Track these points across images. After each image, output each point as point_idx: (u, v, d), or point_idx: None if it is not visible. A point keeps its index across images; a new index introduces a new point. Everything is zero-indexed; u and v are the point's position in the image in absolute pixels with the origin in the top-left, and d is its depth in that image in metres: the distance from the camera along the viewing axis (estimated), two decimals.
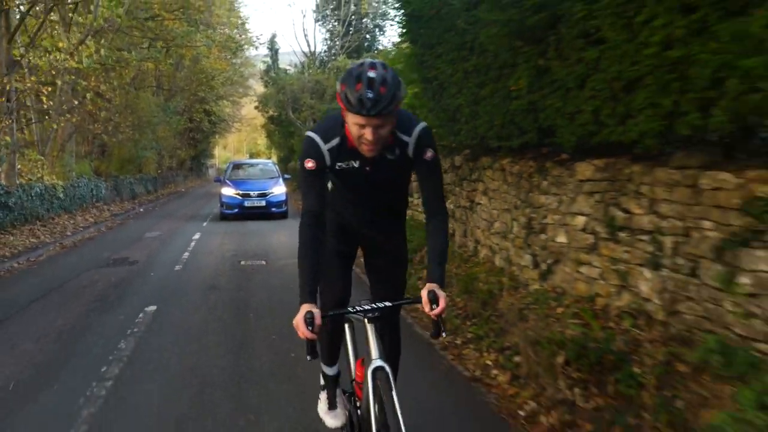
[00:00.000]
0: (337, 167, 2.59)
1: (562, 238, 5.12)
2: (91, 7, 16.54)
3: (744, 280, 3.30)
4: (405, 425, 2.33)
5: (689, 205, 3.72)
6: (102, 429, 3.72)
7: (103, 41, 16.99)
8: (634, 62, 3.47)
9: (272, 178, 18.05)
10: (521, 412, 3.90)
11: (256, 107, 49.51)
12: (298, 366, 4.75)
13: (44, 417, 3.90)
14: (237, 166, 19.92)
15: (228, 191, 16.89)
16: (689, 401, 3.11)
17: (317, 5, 37.46)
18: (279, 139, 42.86)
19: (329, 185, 2.81)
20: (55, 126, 15.52)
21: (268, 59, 48.69)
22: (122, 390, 4.33)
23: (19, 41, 14.73)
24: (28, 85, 13.72)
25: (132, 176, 26.73)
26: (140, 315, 6.39)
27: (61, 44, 14.14)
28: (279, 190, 17.09)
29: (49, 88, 14.61)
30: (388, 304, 2.58)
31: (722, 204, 3.46)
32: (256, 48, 38.93)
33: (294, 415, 3.86)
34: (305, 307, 2.36)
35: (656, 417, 3.21)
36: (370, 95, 2.24)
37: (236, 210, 16.54)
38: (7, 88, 12.38)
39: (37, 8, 14.87)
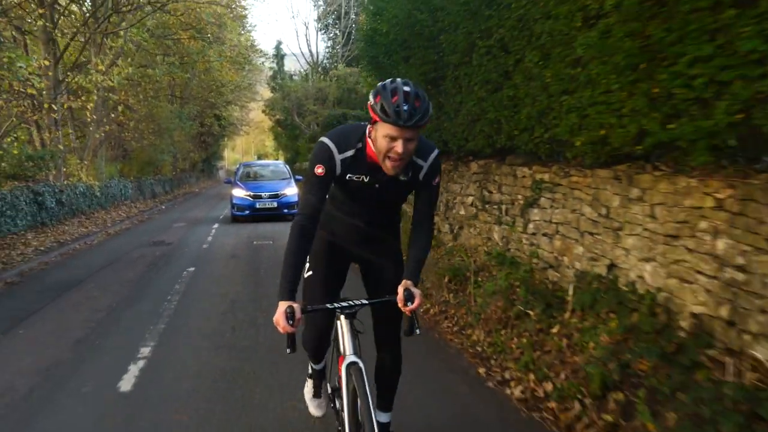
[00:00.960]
0: (346, 178, 2.63)
1: (462, 212, 7.86)
2: (121, 33, 19.39)
3: (530, 226, 6.04)
4: (377, 421, 2.58)
5: (514, 186, 6.46)
6: (177, 321, 6.46)
7: (129, 60, 19.90)
8: (473, 106, 6.22)
9: (284, 179, 17.98)
10: (421, 310, 6.65)
11: (264, 111, 52.01)
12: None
13: (140, 316, 6.64)
14: (248, 167, 19.77)
15: (239, 192, 16.87)
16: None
17: (319, 16, 40.11)
18: (286, 141, 45.56)
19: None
20: (97, 135, 18.38)
21: (274, 65, 51.33)
22: (184, 305, 7.11)
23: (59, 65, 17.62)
24: (79, 103, 16.57)
25: (152, 178, 29.64)
26: (184, 272, 9.16)
27: (99, 66, 16.94)
28: (291, 191, 17.00)
29: (91, 104, 17.47)
30: (364, 301, 2.71)
31: (525, 185, 6.19)
32: (263, 63, 41.37)
33: None
34: (284, 304, 2.45)
35: (476, 300, 5.95)
36: (406, 107, 2.32)
37: (247, 212, 16.63)
38: (65, 106, 15.19)
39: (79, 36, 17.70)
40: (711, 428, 2.92)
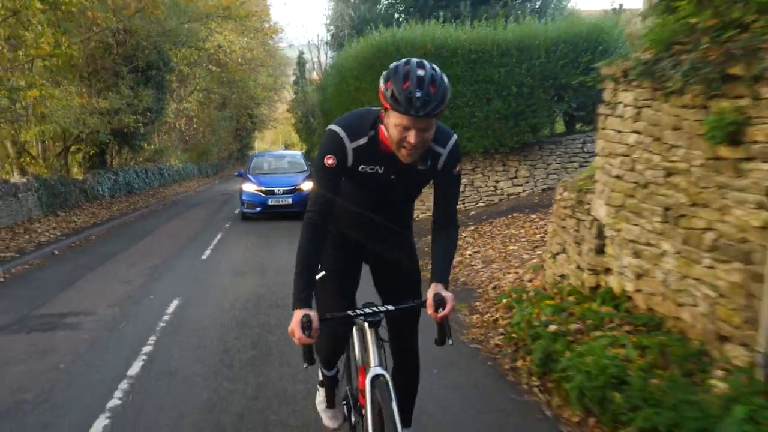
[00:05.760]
0: (359, 169, 2.38)
1: None
2: (197, 76, 32.18)
3: None
4: None
5: None
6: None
7: (198, 87, 32.86)
8: None
9: (301, 171, 16.25)
10: None
11: (287, 110, 63.66)
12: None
13: (228, 210, 19.39)
14: (261, 159, 18.13)
15: (249, 187, 15.42)
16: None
17: (328, 42, 51.62)
18: (305, 136, 56.69)
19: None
20: (187, 138, 31.44)
21: (296, 72, 63.04)
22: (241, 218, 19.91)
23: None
24: (183, 121, 29.58)
25: (206, 163, 42.55)
26: (240, 204, 21.85)
27: (188, 98, 29.85)
28: (309, 185, 14.87)
29: (184, 120, 30.44)
30: (390, 307, 2.47)
31: None
32: (284, 86, 52.89)
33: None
34: (299, 313, 2.26)
35: None
36: (419, 94, 2.06)
37: (258, 209, 15.25)
38: (176, 124, 28.19)
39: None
40: None
